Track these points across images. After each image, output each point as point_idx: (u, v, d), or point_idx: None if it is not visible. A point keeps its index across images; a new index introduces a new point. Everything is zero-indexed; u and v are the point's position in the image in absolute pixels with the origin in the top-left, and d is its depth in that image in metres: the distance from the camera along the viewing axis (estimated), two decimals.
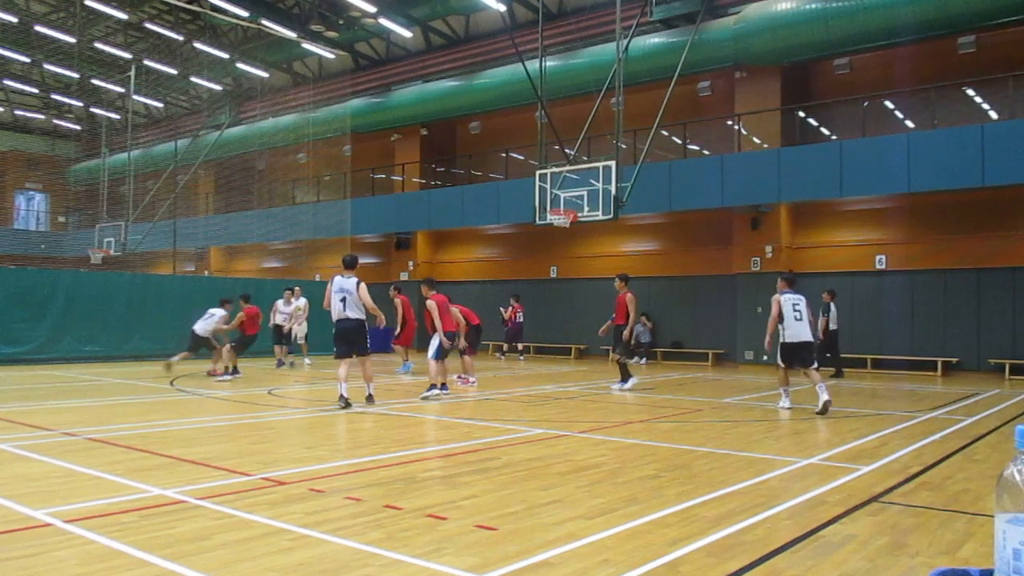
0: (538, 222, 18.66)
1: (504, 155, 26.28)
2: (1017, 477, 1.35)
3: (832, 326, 17.46)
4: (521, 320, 23.05)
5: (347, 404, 10.70)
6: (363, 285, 10.91)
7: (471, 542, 4.36)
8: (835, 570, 3.96)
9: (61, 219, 43.12)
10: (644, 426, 9.51)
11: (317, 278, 27.46)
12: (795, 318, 11.09)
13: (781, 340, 11.21)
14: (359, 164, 29.63)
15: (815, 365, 11.11)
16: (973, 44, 18.70)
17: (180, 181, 32.66)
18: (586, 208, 17.81)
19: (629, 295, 13.86)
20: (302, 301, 18.81)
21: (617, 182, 17.37)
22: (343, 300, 10.88)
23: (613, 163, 17.46)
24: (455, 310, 14.16)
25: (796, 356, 11.17)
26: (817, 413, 10.48)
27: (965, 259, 18.76)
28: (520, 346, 23.36)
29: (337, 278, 11.02)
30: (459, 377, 14.64)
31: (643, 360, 22.21)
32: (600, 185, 17.53)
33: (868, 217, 20.36)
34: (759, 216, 20.66)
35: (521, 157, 25.81)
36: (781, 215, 20.73)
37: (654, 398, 13.01)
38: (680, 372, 18.74)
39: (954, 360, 18.78)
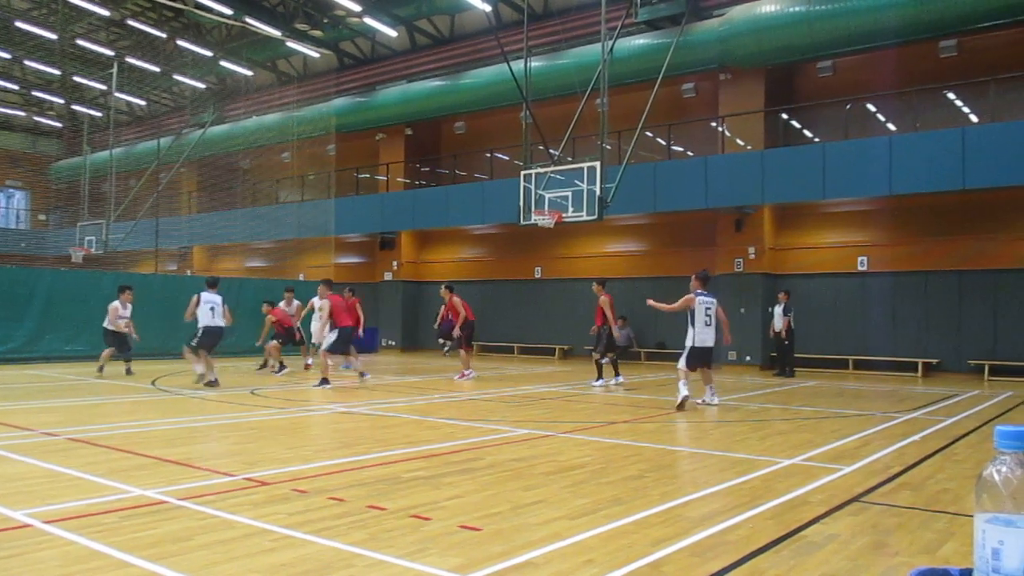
0: (523, 222, 18.66)
1: (489, 155, 26.27)
2: (996, 477, 1.36)
3: (791, 325, 18.32)
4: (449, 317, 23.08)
5: (205, 380, 13.40)
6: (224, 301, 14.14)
7: (455, 542, 4.36)
8: (817, 570, 3.98)
9: (42, 217, 42.70)
10: (628, 426, 9.54)
11: (301, 278, 27.35)
12: (705, 323, 11.20)
13: (690, 344, 11.25)
14: (343, 164, 29.53)
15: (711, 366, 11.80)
16: (954, 48, 18.87)
17: (163, 180, 32.44)
18: (571, 209, 17.83)
19: (603, 298, 14.85)
20: (325, 301, 18.44)
21: (602, 183, 17.40)
22: (212, 309, 13.75)
23: (598, 164, 17.49)
24: (457, 300, 16.12)
25: (701, 360, 11.38)
26: (713, 405, 11.39)
27: (946, 261, 18.93)
28: (443, 341, 23.56)
29: (205, 294, 13.89)
30: (461, 374, 16.10)
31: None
32: (585, 186, 17.55)
33: (850, 219, 20.51)
34: (743, 217, 20.75)
35: (506, 157, 25.80)
36: (764, 216, 20.83)
37: (638, 398, 13.05)
38: (664, 372, 18.79)
39: (935, 361, 18.94)
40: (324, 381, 13.60)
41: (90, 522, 4.68)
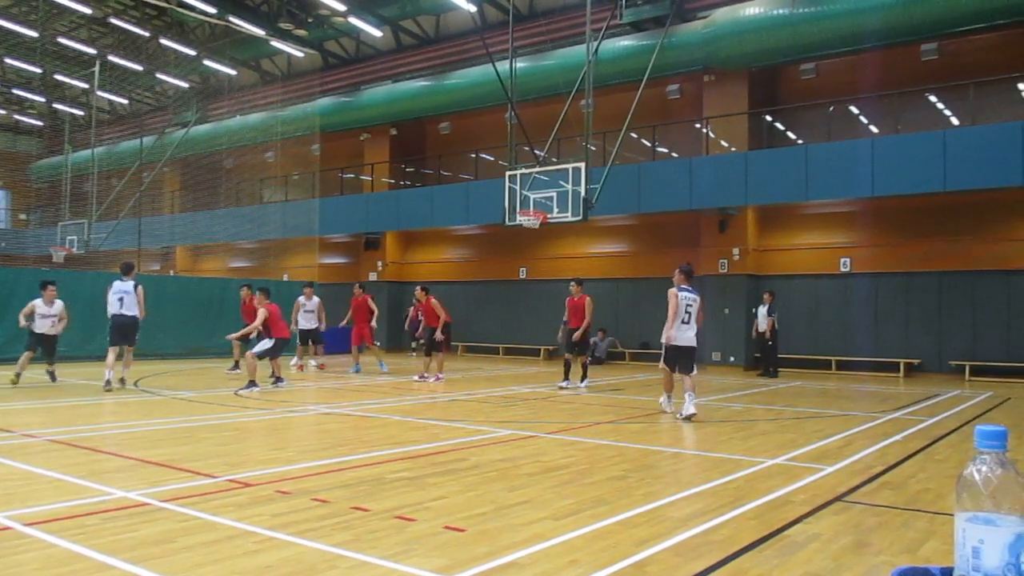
0: (508, 223, 18.67)
1: (474, 156, 26.26)
2: (976, 476, 1.37)
3: (775, 326, 18.50)
4: (421, 319, 22.82)
5: (111, 387, 12.61)
6: (140, 288, 13.39)
7: (440, 543, 4.35)
8: (799, 569, 4.01)
9: (22, 216, 42.31)
10: (612, 427, 9.55)
11: (285, 278, 27.22)
12: (683, 320, 10.33)
13: (672, 343, 10.43)
14: (328, 164, 29.41)
15: (694, 372, 10.46)
16: (935, 51, 19.03)
17: (145, 179, 32.21)
18: (555, 209, 17.86)
19: (587, 298, 14.31)
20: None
21: (586, 184, 17.44)
22: (120, 300, 13.16)
23: (582, 165, 17.52)
24: (435, 302, 15.55)
25: (680, 359, 10.43)
26: (682, 419, 10.01)
27: (927, 262, 19.09)
28: (414, 345, 23.53)
29: (116, 282, 13.30)
30: (436, 376, 15.69)
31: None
32: (570, 187, 17.59)
33: (833, 220, 20.64)
34: (726, 219, 20.84)
35: (491, 158, 25.79)
36: (748, 218, 20.93)
37: (622, 399, 13.08)
38: (648, 373, 18.83)
39: (916, 361, 19.10)
40: (252, 384, 13.03)
41: (71, 524, 4.64)
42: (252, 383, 13.13)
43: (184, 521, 4.75)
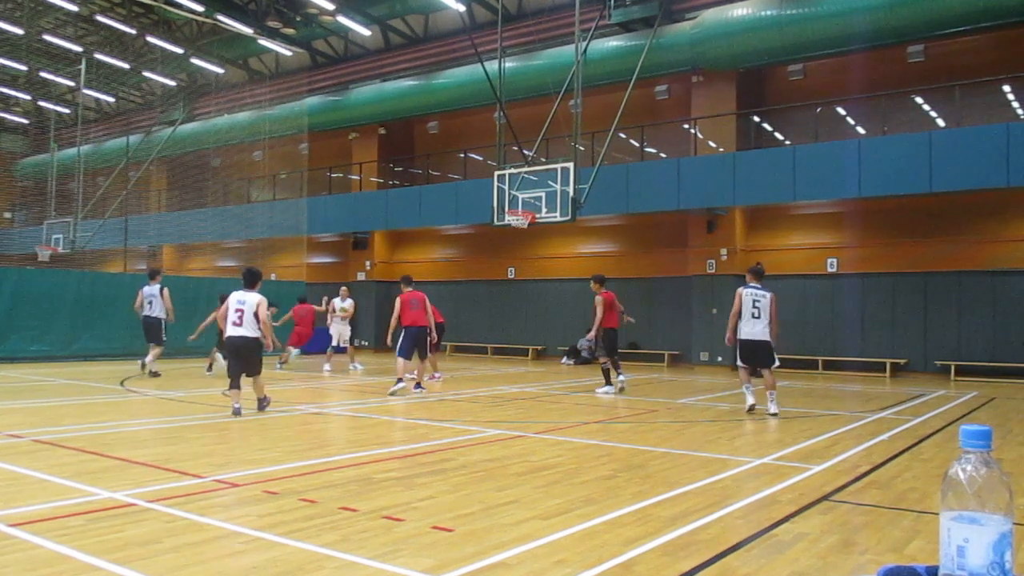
0: (496, 223, 18.65)
1: (463, 155, 26.24)
2: (962, 476, 1.38)
3: None
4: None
5: (157, 375, 14.72)
6: (166, 291, 15.05)
7: (427, 543, 4.35)
8: (787, 568, 4.02)
9: (7, 215, 41.97)
10: (601, 427, 9.57)
11: (273, 277, 27.11)
12: (752, 315, 10.75)
13: (739, 337, 10.97)
14: (316, 163, 29.33)
15: (775, 364, 10.99)
16: (922, 53, 19.15)
17: (132, 178, 32.01)
18: (544, 209, 17.86)
19: (598, 297, 13.63)
20: (348, 302, 18.50)
21: (575, 184, 17.44)
22: (150, 303, 14.73)
23: (571, 165, 17.53)
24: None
25: (752, 355, 10.90)
26: (770, 414, 10.61)
27: (913, 263, 19.20)
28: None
29: (145, 287, 15.06)
30: (432, 376, 15.55)
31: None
32: (558, 186, 17.59)
33: (820, 221, 20.73)
34: (714, 219, 20.91)
35: (480, 158, 25.78)
36: (736, 218, 21.00)
37: (611, 398, 13.08)
38: (636, 373, 18.86)
39: (902, 361, 19.21)
40: (418, 385, 13.23)
41: (56, 525, 4.60)
42: (418, 384, 13.22)
43: (170, 522, 4.72)
